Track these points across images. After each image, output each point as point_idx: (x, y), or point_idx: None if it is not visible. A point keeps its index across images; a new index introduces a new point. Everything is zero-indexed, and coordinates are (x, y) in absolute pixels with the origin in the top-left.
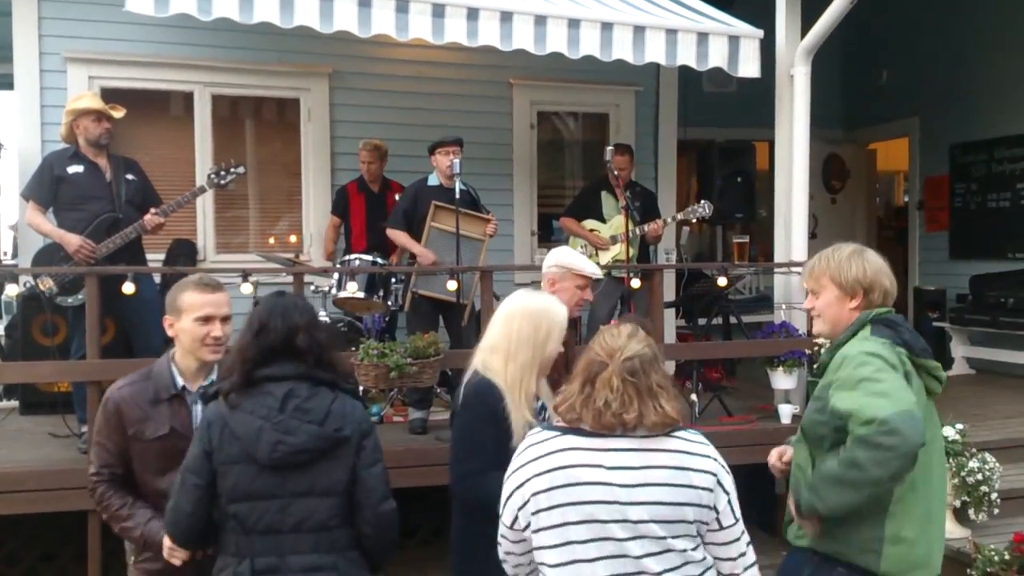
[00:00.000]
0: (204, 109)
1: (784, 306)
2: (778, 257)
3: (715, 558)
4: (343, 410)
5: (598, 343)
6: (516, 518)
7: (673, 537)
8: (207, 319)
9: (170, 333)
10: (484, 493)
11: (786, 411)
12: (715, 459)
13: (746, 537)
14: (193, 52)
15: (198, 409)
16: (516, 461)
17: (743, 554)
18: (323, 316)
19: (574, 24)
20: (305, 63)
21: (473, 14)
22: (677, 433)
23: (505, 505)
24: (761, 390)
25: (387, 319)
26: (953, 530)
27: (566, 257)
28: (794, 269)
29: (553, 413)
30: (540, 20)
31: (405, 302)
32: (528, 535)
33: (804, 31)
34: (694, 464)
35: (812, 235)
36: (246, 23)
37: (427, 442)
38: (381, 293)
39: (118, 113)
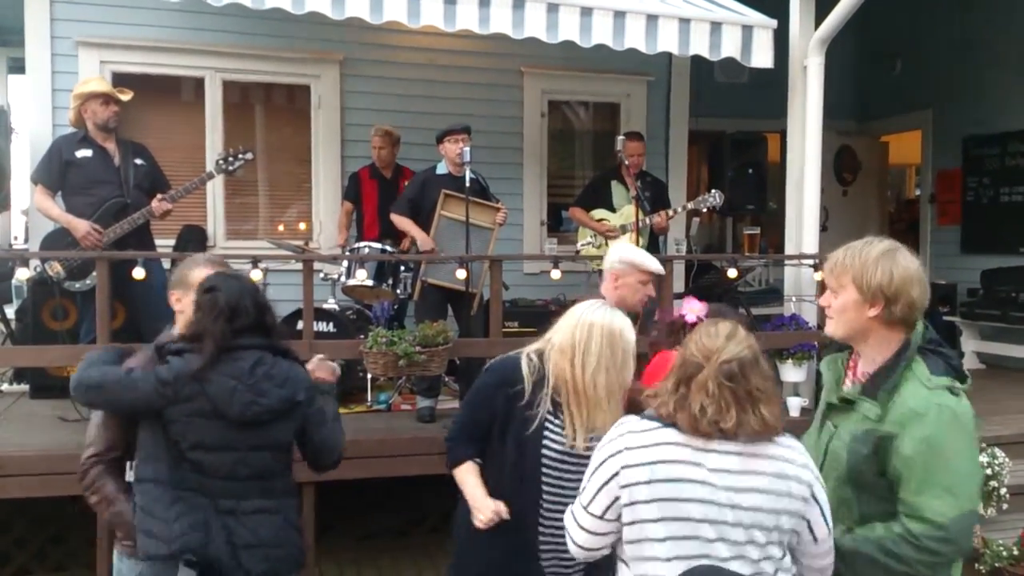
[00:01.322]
0: (215, 95)
1: (794, 298)
2: (789, 249)
3: (807, 567)
4: (297, 376)
5: (694, 342)
6: (610, 508)
7: (765, 544)
8: None
9: (177, 308)
10: (450, 459)
11: (795, 404)
12: (811, 469)
13: (833, 548)
14: (204, 37)
15: None
16: (608, 448)
17: (830, 565)
18: (332, 303)
19: (586, 12)
20: (316, 50)
21: (485, 1)
22: (777, 439)
23: (597, 494)
24: None
25: (396, 307)
26: None
27: (629, 253)
28: (804, 261)
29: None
30: (552, 8)
31: (414, 290)
32: (618, 525)
33: (818, 21)
34: (792, 472)
35: (823, 228)
36: (258, 9)
37: (435, 430)
38: (390, 281)
39: (125, 96)
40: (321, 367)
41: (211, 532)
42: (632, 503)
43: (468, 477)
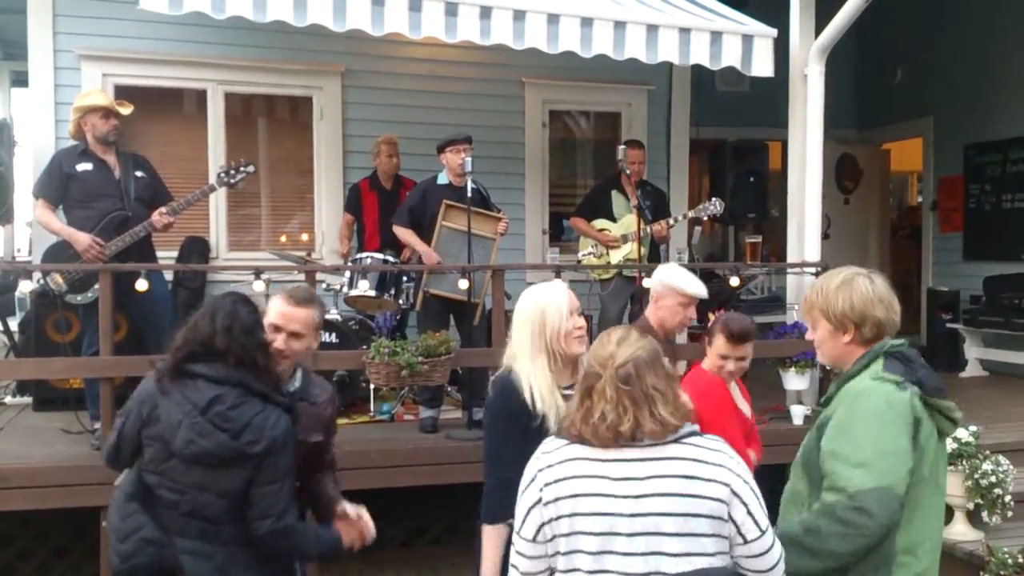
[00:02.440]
0: (217, 107)
1: (796, 306)
2: (791, 257)
3: (748, 570)
4: (263, 424)
5: (591, 354)
6: (539, 531)
7: (682, 554)
8: (276, 328)
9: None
10: (492, 511)
11: (798, 412)
12: (729, 468)
13: (778, 546)
14: (207, 50)
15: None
16: (528, 473)
17: (776, 564)
18: (334, 314)
19: (587, 23)
20: (318, 61)
21: (486, 12)
22: (689, 439)
23: (525, 519)
24: (772, 391)
25: (398, 317)
26: (966, 533)
27: (670, 276)
28: (807, 269)
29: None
30: (553, 19)
31: (416, 301)
32: (547, 547)
33: (818, 30)
34: (704, 473)
35: (825, 235)
36: (260, 21)
37: (437, 441)
38: (392, 291)
39: (126, 110)
40: (351, 525)
41: (160, 552)
42: (551, 522)
43: (491, 545)
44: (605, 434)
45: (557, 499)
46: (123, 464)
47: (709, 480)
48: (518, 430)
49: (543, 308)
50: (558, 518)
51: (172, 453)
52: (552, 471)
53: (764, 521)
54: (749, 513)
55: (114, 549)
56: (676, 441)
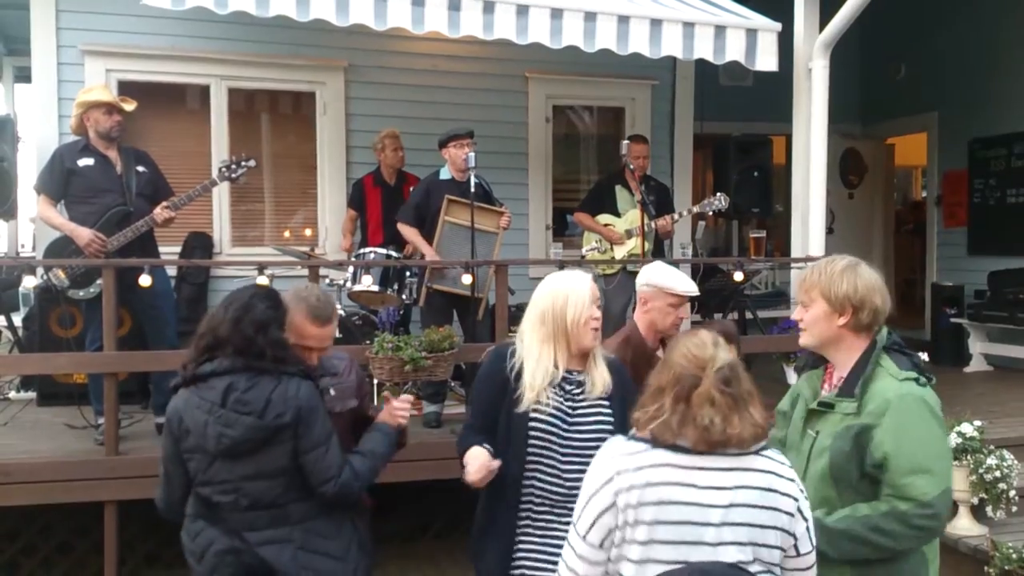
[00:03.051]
0: (220, 102)
1: None
2: (795, 252)
3: None
4: (284, 395)
5: (680, 354)
6: (608, 536)
7: (752, 561)
8: (309, 349)
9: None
10: (458, 449)
11: None
12: (797, 483)
13: (815, 561)
14: (210, 45)
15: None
16: (601, 475)
17: None
18: (338, 309)
19: (590, 17)
20: (321, 57)
21: (489, 7)
22: (765, 452)
23: (593, 523)
24: (776, 386)
25: (401, 312)
26: (971, 528)
27: (657, 275)
28: (811, 264)
29: (635, 428)
30: (556, 13)
31: (420, 296)
32: (615, 552)
33: (822, 24)
34: (781, 487)
35: (829, 230)
36: (262, 16)
37: (441, 435)
38: (396, 286)
39: (129, 106)
40: (389, 411)
41: (239, 559)
42: (624, 527)
43: (471, 451)
44: (716, 439)
45: (640, 504)
46: (175, 497)
47: (785, 494)
48: (490, 398)
49: (567, 292)
50: (636, 523)
51: (212, 455)
52: (634, 476)
53: (815, 538)
54: (807, 529)
55: (195, 572)
56: (756, 453)
